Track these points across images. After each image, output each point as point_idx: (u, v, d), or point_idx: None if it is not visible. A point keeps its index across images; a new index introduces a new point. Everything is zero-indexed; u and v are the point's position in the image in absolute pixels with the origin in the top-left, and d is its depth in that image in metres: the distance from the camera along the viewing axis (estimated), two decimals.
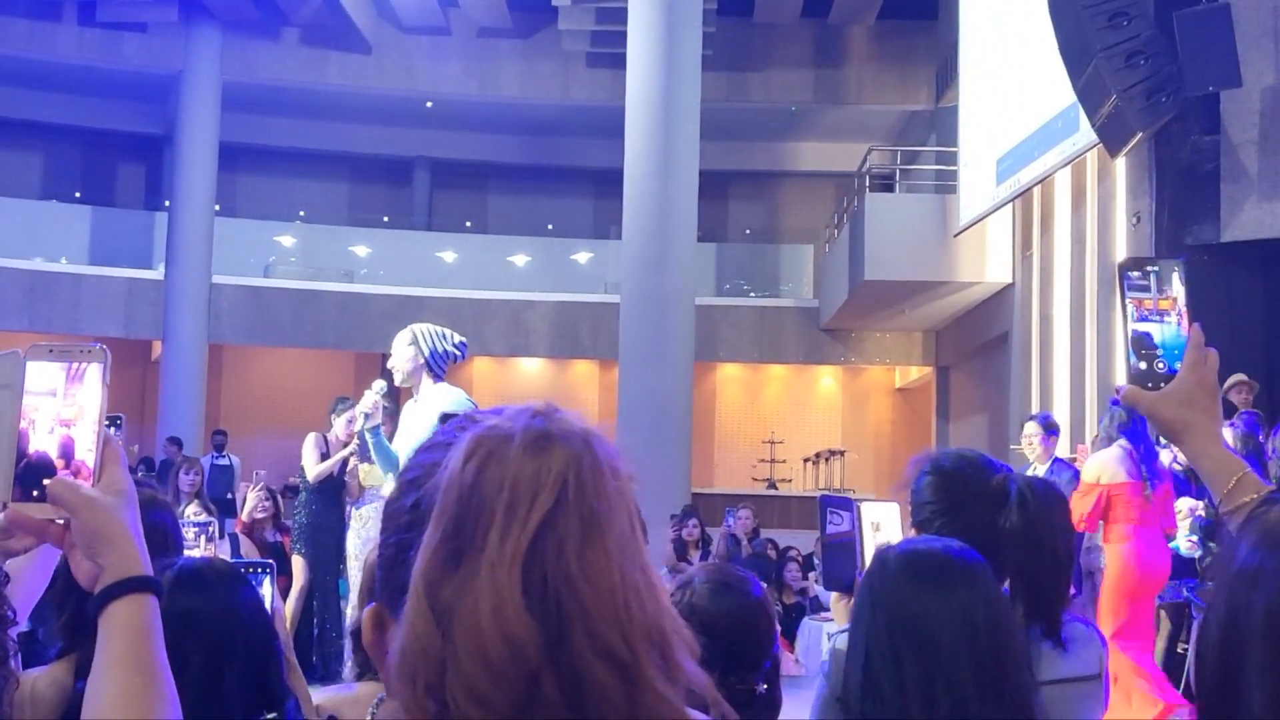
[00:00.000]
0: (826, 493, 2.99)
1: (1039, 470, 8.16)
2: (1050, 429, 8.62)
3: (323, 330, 20.33)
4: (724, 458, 21.48)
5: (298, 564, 9.00)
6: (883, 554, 2.07)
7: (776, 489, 19.68)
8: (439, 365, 6.16)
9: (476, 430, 0.99)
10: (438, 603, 0.93)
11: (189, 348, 19.06)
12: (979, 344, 17.42)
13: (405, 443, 6.09)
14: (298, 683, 2.73)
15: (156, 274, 19.89)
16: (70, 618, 2.69)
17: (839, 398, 22.63)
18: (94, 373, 1.44)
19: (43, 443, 1.42)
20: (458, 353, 6.25)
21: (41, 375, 1.43)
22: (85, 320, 20.00)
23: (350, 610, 6.22)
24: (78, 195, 22.27)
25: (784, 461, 20.30)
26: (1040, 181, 13.08)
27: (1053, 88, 11.71)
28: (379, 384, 6.45)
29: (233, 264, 20.03)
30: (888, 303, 17.50)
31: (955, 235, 15.28)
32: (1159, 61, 9.80)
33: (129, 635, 1.36)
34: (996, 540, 2.41)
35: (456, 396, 6.12)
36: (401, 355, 6.13)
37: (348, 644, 5.80)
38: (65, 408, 1.44)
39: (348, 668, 5.71)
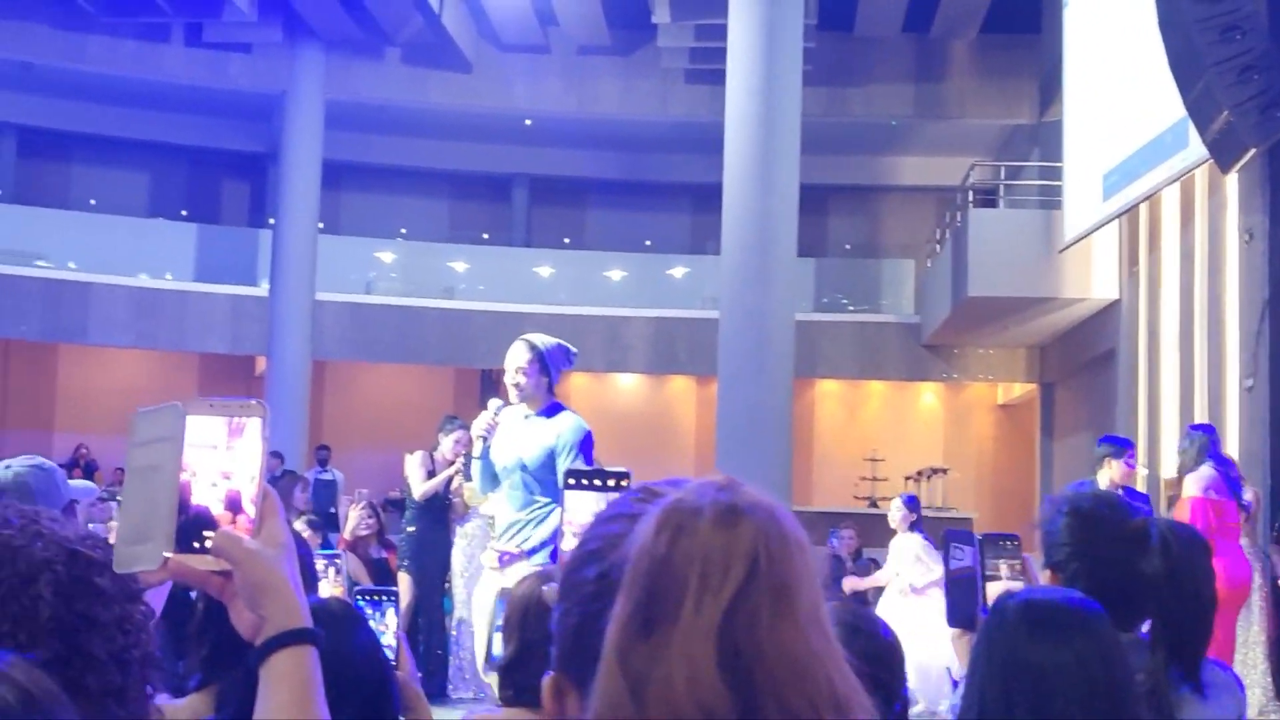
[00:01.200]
0: (951, 528, 2.92)
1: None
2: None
3: (424, 346, 20.50)
4: (823, 475, 21.32)
5: (404, 581, 9.05)
6: (1002, 602, 2.03)
7: (877, 507, 19.47)
8: (555, 377, 5.93)
9: (665, 504, 1.01)
10: (630, 671, 0.95)
11: (293, 364, 19.31)
12: (1084, 360, 17.14)
13: (512, 455, 5.84)
14: (421, 713, 2.72)
15: (261, 291, 20.18)
16: (210, 651, 2.72)
17: (940, 414, 22.38)
18: (254, 427, 1.46)
19: (205, 495, 1.44)
20: (569, 363, 6.04)
21: (204, 429, 1.45)
22: (191, 336, 20.35)
23: (478, 631, 6.15)
24: (184, 213, 22.68)
25: (885, 479, 20.07)
26: (1148, 197, 12.84)
27: (1161, 102, 11.48)
28: (495, 403, 6.11)
29: (335, 280, 20.26)
30: (991, 319, 17.28)
31: (1060, 251, 15.05)
32: (1273, 76, 9.58)
33: (292, 686, 1.39)
34: (1136, 584, 2.35)
35: (577, 423, 5.86)
36: (522, 369, 5.81)
37: (453, 661, 5.75)
38: (227, 461, 1.46)
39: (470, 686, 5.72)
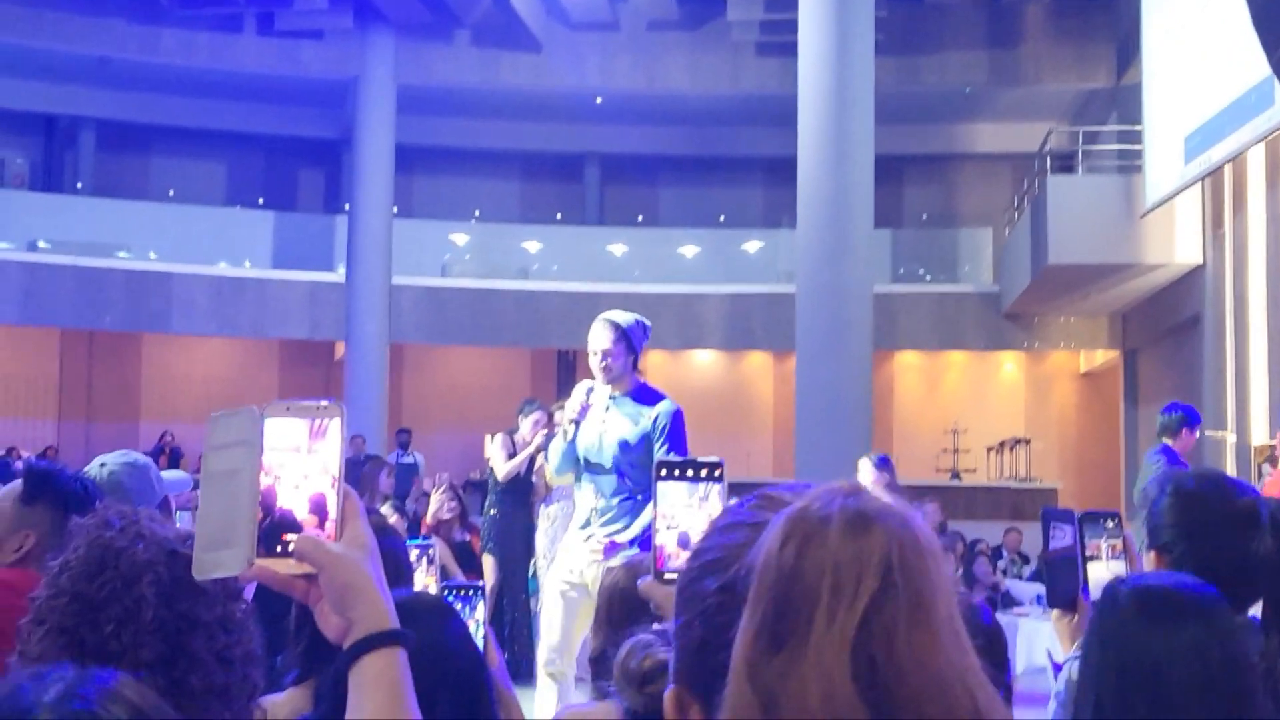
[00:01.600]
0: (1048, 506, 2.86)
1: None
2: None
3: (499, 328, 20.55)
4: (904, 448, 21.13)
5: (488, 563, 9.08)
6: (1113, 589, 1.96)
7: (960, 479, 19.32)
8: (639, 354, 5.79)
9: (790, 513, 0.98)
10: (761, 688, 0.93)
11: (371, 348, 19.43)
12: (1168, 327, 16.85)
13: (602, 440, 5.69)
14: (510, 711, 2.70)
15: (338, 276, 20.32)
16: (307, 646, 2.73)
17: (1022, 384, 22.13)
18: (334, 428, 1.45)
19: (288, 499, 1.43)
20: (646, 337, 5.88)
21: (285, 432, 1.44)
22: (270, 323, 20.54)
23: (543, 622, 5.94)
24: (260, 201, 22.89)
25: (967, 451, 19.89)
26: (1233, 159, 12.57)
27: (1244, 61, 11.23)
28: (585, 384, 5.92)
29: (411, 264, 20.35)
30: (1072, 286, 17.02)
31: (1142, 216, 14.79)
32: None
33: (383, 690, 1.38)
34: (1246, 565, 2.27)
35: (670, 405, 5.72)
36: (609, 350, 5.64)
37: (540, 645, 5.70)
38: (309, 463, 1.45)
39: (547, 671, 5.67)
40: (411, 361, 22.05)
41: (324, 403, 1.46)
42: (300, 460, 1.44)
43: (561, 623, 5.67)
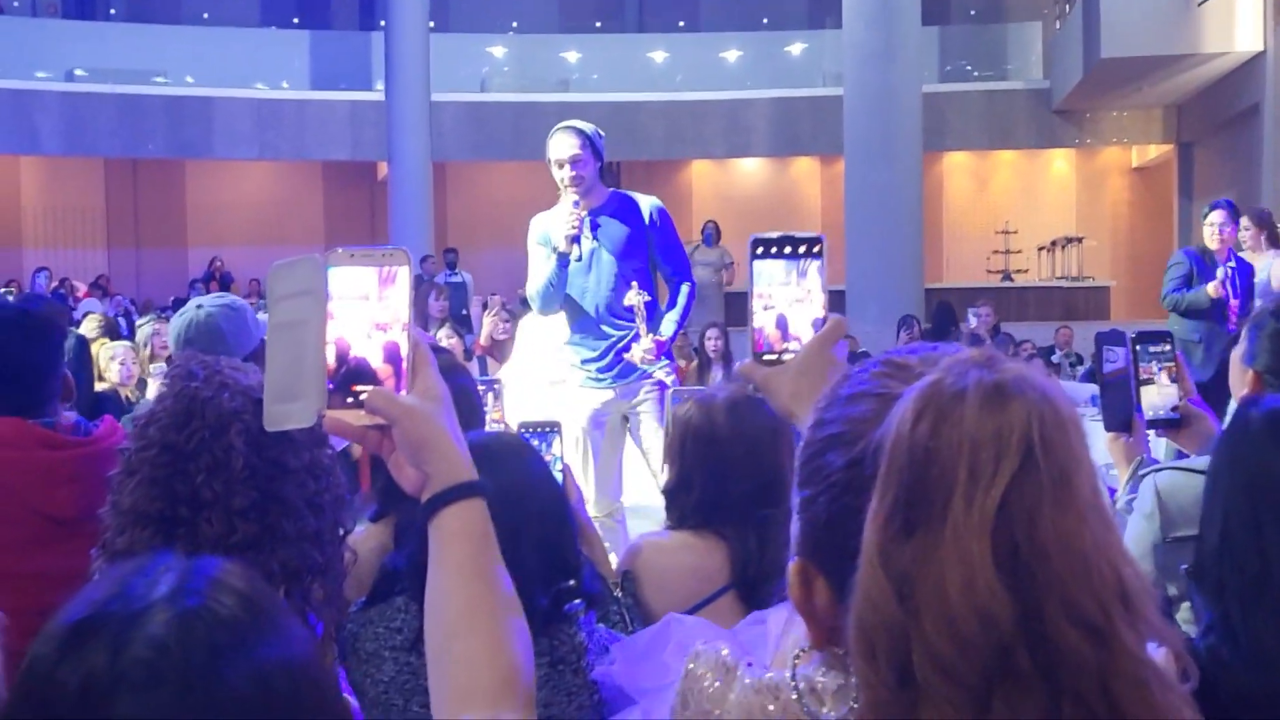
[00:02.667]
0: (1102, 330, 2.76)
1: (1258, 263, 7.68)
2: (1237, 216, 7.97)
3: (541, 142, 20.18)
4: (955, 250, 20.98)
5: None
6: (1244, 412, 1.90)
7: (1012, 280, 19.16)
8: (603, 164, 5.32)
9: (921, 387, 0.92)
10: (895, 573, 0.89)
11: (414, 167, 19.28)
12: (1226, 117, 16.46)
13: (592, 260, 5.24)
14: (593, 546, 2.70)
15: (377, 95, 20.09)
16: (385, 484, 2.72)
17: (1073, 181, 21.78)
18: (403, 275, 1.40)
19: (361, 349, 1.39)
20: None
21: (354, 280, 1.40)
22: (312, 145, 20.42)
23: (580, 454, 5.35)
24: (295, 21, 22.55)
25: (1019, 252, 19.70)
26: None
27: None
28: (571, 197, 5.26)
29: (450, 80, 20.08)
30: (1126, 79, 16.61)
31: (1199, 4, 14.33)
32: None
33: (465, 543, 1.36)
34: None
35: (653, 201, 5.32)
36: (578, 158, 5.14)
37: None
38: (380, 312, 1.40)
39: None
40: (454, 179, 21.92)
41: (388, 249, 1.41)
42: (370, 309, 1.40)
43: (594, 469, 5.31)
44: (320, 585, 1.93)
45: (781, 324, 1.63)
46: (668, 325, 5.30)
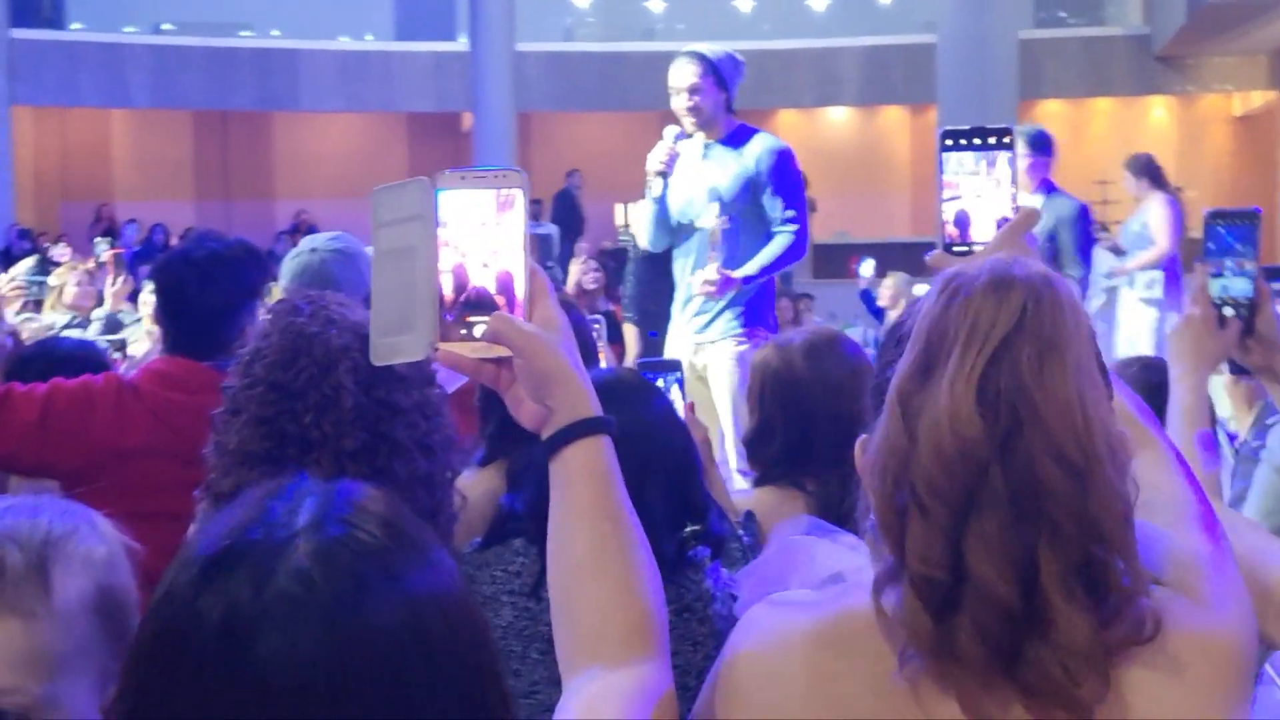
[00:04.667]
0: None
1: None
2: (1039, 148, 7.47)
3: (627, 92, 20.15)
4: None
5: (630, 333, 8.99)
6: None
7: (1108, 232, 18.75)
8: (734, 93, 5.00)
9: (948, 273, 1.18)
10: (908, 411, 1.13)
11: (498, 117, 19.21)
12: None
13: (700, 194, 4.95)
14: (715, 486, 2.59)
15: (461, 45, 20.03)
16: (496, 428, 2.63)
17: (1173, 131, 21.26)
18: (520, 199, 1.30)
19: (479, 277, 1.30)
20: (741, 74, 5.05)
21: (470, 204, 1.30)
22: (398, 96, 20.43)
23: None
24: None
25: (1117, 203, 19.26)
26: None
27: None
28: (671, 131, 5.11)
29: (534, 29, 19.97)
30: (1230, 23, 16.14)
31: None
32: None
33: (592, 481, 1.30)
34: None
35: (775, 143, 4.99)
36: (696, 86, 4.86)
37: None
38: (497, 238, 1.30)
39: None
40: (539, 131, 21.81)
41: (502, 170, 1.32)
42: (488, 235, 1.30)
43: None
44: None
45: (961, 221, 1.64)
46: (750, 265, 4.94)
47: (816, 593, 1.43)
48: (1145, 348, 8.09)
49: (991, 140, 1.65)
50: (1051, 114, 21.31)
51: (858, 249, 16.00)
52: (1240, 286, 2.03)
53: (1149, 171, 8.74)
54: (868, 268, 12.12)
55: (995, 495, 1.08)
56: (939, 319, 1.14)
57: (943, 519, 1.09)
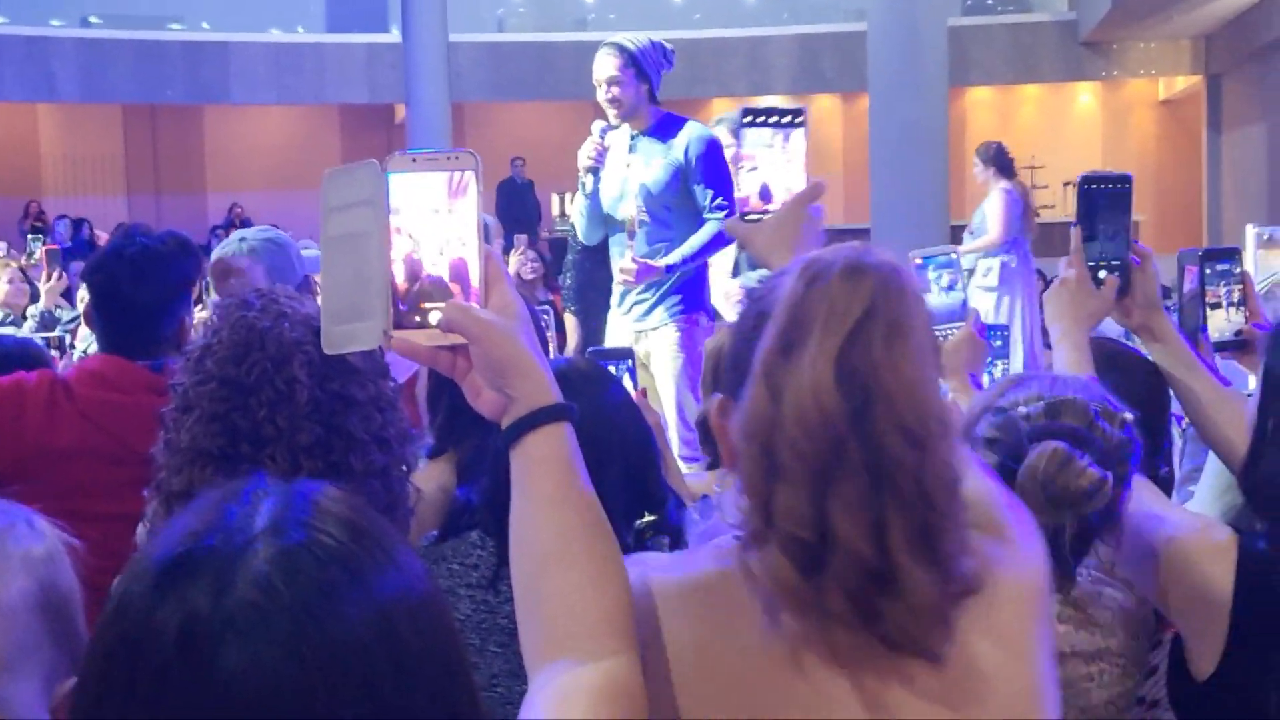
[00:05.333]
0: (1184, 249, 2.67)
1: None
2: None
3: (560, 81, 20.13)
4: (978, 187, 20.77)
5: (570, 323, 9.03)
6: None
7: (1039, 216, 18.93)
8: (657, 83, 4.98)
9: (807, 259, 1.28)
10: (773, 384, 1.22)
11: (432, 108, 19.09)
12: (1257, 47, 16.20)
13: (629, 186, 4.93)
14: (675, 478, 2.60)
15: (394, 37, 19.92)
16: (444, 419, 2.63)
17: (1099, 115, 21.52)
18: (473, 183, 1.29)
19: (433, 264, 1.29)
20: (666, 65, 5.03)
21: (421, 189, 1.28)
22: (330, 88, 20.29)
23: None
24: None
25: (1045, 187, 19.48)
26: None
27: None
28: (598, 125, 5.12)
29: (467, 20, 19.88)
30: (1153, 9, 16.35)
31: None
32: None
33: (556, 470, 1.28)
34: None
35: (702, 131, 4.96)
36: (615, 79, 4.85)
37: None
38: (450, 225, 1.29)
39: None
40: (473, 121, 21.74)
41: (455, 152, 1.31)
42: (440, 220, 1.29)
43: None
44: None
45: (765, 193, 1.77)
46: (674, 254, 4.95)
47: (678, 555, 1.49)
48: None
49: (786, 119, 1.82)
50: (980, 100, 21.53)
51: None
52: (1115, 248, 2.11)
53: (997, 161, 9.00)
54: None
55: (852, 463, 1.18)
56: (800, 301, 1.23)
57: (807, 484, 1.19)
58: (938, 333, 2.23)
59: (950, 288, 2.39)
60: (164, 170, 22.04)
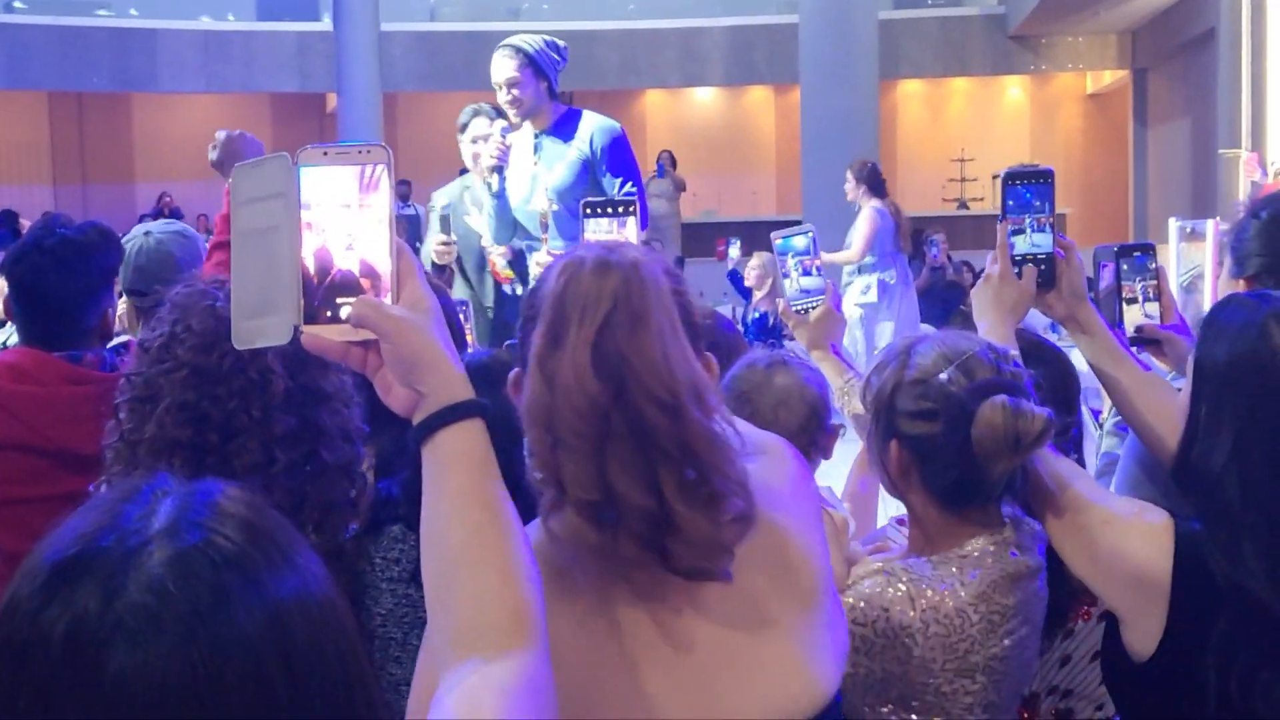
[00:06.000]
0: (1101, 245, 2.69)
1: None
2: None
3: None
4: (909, 179, 20.91)
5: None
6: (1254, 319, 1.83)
7: (968, 209, 19.16)
8: (556, 80, 4.95)
9: (563, 258, 1.46)
10: (545, 371, 1.39)
11: (363, 98, 18.98)
12: (1181, 42, 16.44)
13: (537, 185, 4.96)
14: None
15: (325, 25, 19.78)
16: (365, 409, 2.62)
17: (1027, 109, 21.76)
18: (385, 177, 1.28)
19: (344, 260, 1.27)
20: (560, 60, 4.98)
21: (332, 183, 1.27)
22: (261, 77, 20.10)
23: None
24: None
25: (974, 180, 19.68)
26: None
27: None
28: (498, 125, 5.16)
29: (399, 9, 19.77)
30: (1082, 3, 16.54)
31: None
32: None
33: (467, 467, 1.27)
34: None
35: (605, 124, 4.95)
36: (513, 80, 4.83)
37: None
38: (363, 218, 1.28)
39: None
40: (405, 111, 21.63)
41: (366, 146, 1.29)
42: (352, 215, 1.27)
43: None
44: (343, 519, 1.86)
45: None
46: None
47: None
48: (859, 349, 8.62)
49: (620, 209, 2.20)
50: (911, 93, 21.70)
51: (725, 228, 16.13)
52: (1041, 241, 2.14)
53: (869, 180, 9.19)
54: (736, 249, 12.27)
55: (619, 433, 1.36)
56: (560, 297, 1.40)
57: (587, 455, 1.37)
58: (799, 308, 2.45)
59: (807, 271, 2.48)
60: (91, 159, 21.76)
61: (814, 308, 2.46)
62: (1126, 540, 1.82)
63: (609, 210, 2.12)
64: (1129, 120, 19.48)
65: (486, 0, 21.31)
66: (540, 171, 4.95)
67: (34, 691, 0.89)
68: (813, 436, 2.33)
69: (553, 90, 4.95)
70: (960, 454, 1.84)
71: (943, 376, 1.87)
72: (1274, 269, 2.28)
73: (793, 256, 2.49)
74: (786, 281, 2.47)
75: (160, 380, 1.79)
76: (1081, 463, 2.32)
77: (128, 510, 0.97)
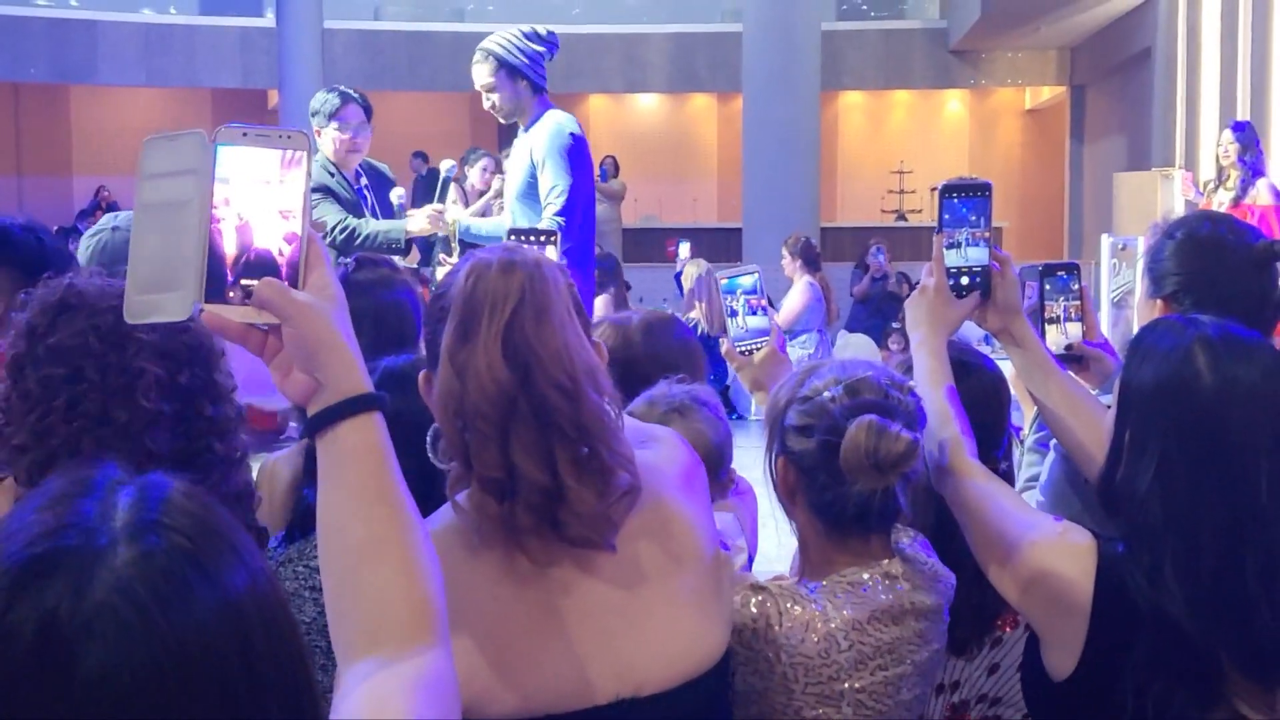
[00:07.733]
0: (1025, 265, 2.72)
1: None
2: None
3: (436, 72, 20.02)
4: (849, 190, 21.10)
5: None
6: (1180, 339, 1.85)
7: (906, 220, 19.31)
8: (538, 74, 4.96)
9: (471, 258, 1.59)
10: (456, 364, 1.53)
11: (305, 96, 18.74)
12: (1118, 61, 16.66)
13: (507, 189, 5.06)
14: None
15: (268, 21, 19.65)
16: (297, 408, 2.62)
17: (967, 123, 21.96)
18: (305, 162, 1.28)
19: (257, 240, 1.26)
20: (544, 49, 4.99)
21: (250, 165, 1.27)
22: (202, 72, 19.93)
23: None
24: None
25: (913, 192, 19.84)
26: None
27: None
28: (445, 163, 5.39)
29: (343, 7, 19.67)
30: (1022, 20, 16.73)
31: None
32: None
33: (364, 461, 1.25)
34: (1263, 313, 2.20)
35: (555, 128, 4.94)
36: (489, 86, 4.92)
37: None
38: (280, 201, 1.28)
39: None
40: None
41: (287, 131, 1.29)
42: (269, 196, 1.27)
43: None
44: (249, 508, 1.88)
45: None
46: (471, 222, 5.29)
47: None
48: None
49: (543, 239, 2.43)
50: (852, 105, 21.86)
51: (667, 233, 16.19)
52: (976, 255, 2.17)
53: (804, 255, 9.57)
54: (685, 249, 12.28)
55: (524, 415, 1.51)
56: (470, 295, 1.54)
57: (493, 437, 1.51)
58: (743, 349, 2.42)
59: (753, 311, 2.46)
60: (27, 151, 21.48)
61: (759, 349, 2.42)
62: (1049, 561, 1.82)
63: (530, 239, 2.29)
64: (1066, 136, 19.71)
65: (431, 0, 21.24)
66: (520, 159, 5.00)
67: (2, 691, 0.89)
68: None
69: (535, 85, 4.94)
70: (830, 472, 1.86)
71: (827, 394, 1.89)
72: (1190, 288, 2.32)
73: (741, 294, 2.46)
74: (732, 321, 2.44)
75: (37, 373, 1.77)
76: (1012, 472, 2.35)
77: (86, 507, 0.97)
